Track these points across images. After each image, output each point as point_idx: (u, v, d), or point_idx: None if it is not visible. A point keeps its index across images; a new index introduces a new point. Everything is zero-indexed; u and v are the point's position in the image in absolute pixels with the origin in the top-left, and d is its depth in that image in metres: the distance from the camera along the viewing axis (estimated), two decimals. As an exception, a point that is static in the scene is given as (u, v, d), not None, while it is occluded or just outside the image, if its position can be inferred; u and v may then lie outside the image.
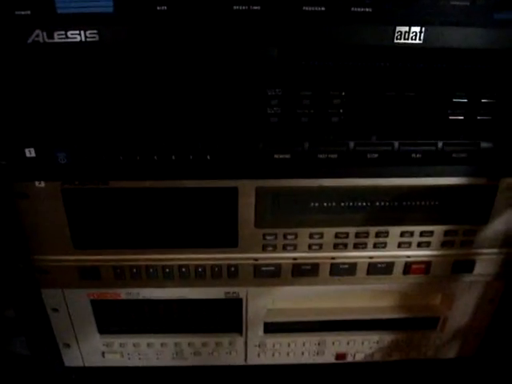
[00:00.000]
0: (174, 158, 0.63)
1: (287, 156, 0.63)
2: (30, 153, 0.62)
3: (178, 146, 0.63)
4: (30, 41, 0.56)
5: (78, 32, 0.56)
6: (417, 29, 0.57)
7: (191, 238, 0.71)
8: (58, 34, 0.56)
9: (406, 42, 0.57)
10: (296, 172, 0.66)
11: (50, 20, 0.55)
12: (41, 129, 0.62)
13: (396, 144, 0.64)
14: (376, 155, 0.64)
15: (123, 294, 0.77)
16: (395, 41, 0.57)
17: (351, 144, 0.63)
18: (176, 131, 0.62)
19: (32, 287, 0.74)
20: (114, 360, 0.84)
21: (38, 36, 0.56)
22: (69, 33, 0.56)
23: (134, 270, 0.73)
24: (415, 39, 0.57)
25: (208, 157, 0.63)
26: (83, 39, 0.56)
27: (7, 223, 0.68)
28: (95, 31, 0.56)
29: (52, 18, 0.55)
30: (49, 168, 0.64)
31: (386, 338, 0.84)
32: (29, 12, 0.54)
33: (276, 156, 0.63)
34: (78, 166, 0.64)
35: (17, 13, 0.54)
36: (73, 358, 0.84)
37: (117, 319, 0.81)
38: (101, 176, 0.65)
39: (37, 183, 0.66)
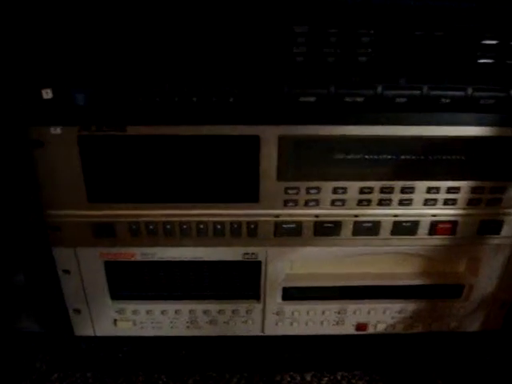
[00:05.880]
0: (195, 99, 0.61)
1: (312, 99, 0.61)
2: (47, 94, 0.60)
3: (200, 87, 0.60)
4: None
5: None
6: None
7: (210, 192, 0.69)
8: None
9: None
10: (320, 117, 0.64)
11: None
12: (59, 68, 0.59)
13: (425, 88, 0.62)
14: (404, 99, 0.62)
15: (138, 254, 0.74)
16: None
17: (379, 87, 0.61)
18: (198, 72, 0.60)
19: (43, 245, 0.71)
20: (126, 329, 0.81)
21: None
22: None
23: (151, 227, 0.70)
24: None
25: (231, 99, 0.61)
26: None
27: (21, 173, 0.66)
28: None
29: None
30: (66, 111, 0.62)
31: (409, 307, 0.81)
32: None
33: (301, 99, 0.61)
34: (96, 108, 0.62)
35: None
36: (83, 326, 0.80)
37: (130, 284, 0.78)
38: (119, 120, 0.63)
39: (52, 130, 0.64)
